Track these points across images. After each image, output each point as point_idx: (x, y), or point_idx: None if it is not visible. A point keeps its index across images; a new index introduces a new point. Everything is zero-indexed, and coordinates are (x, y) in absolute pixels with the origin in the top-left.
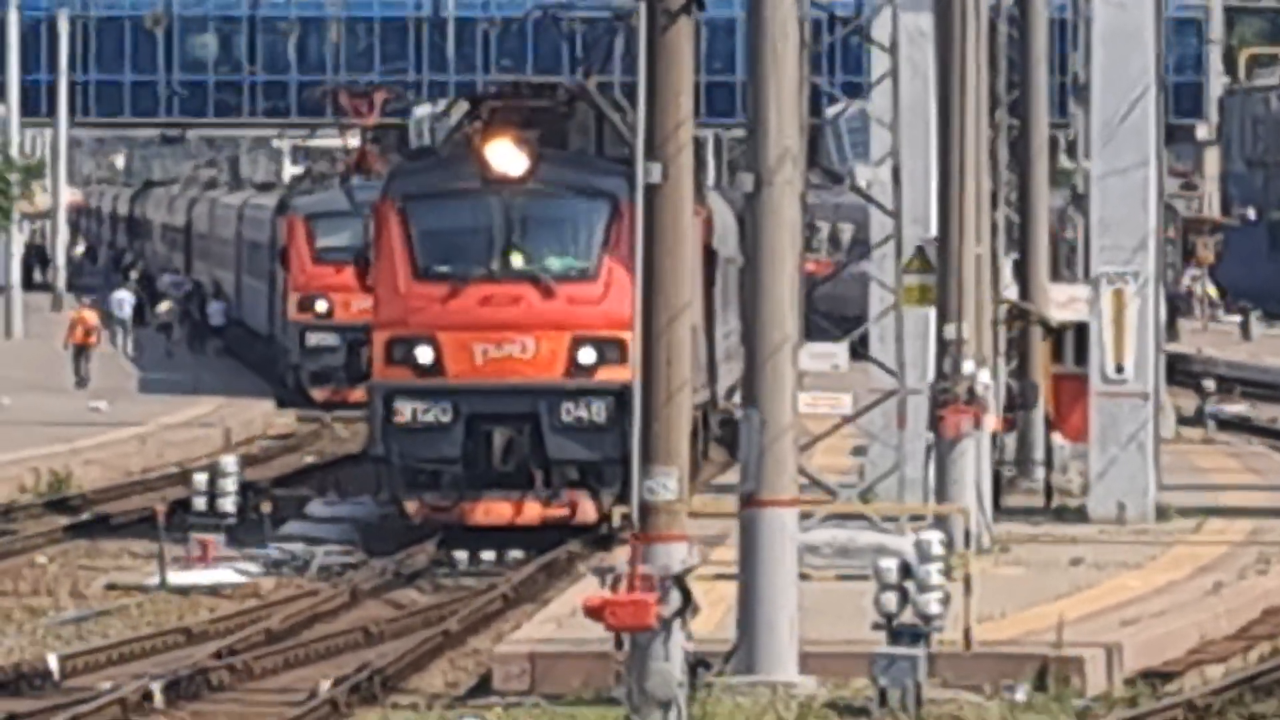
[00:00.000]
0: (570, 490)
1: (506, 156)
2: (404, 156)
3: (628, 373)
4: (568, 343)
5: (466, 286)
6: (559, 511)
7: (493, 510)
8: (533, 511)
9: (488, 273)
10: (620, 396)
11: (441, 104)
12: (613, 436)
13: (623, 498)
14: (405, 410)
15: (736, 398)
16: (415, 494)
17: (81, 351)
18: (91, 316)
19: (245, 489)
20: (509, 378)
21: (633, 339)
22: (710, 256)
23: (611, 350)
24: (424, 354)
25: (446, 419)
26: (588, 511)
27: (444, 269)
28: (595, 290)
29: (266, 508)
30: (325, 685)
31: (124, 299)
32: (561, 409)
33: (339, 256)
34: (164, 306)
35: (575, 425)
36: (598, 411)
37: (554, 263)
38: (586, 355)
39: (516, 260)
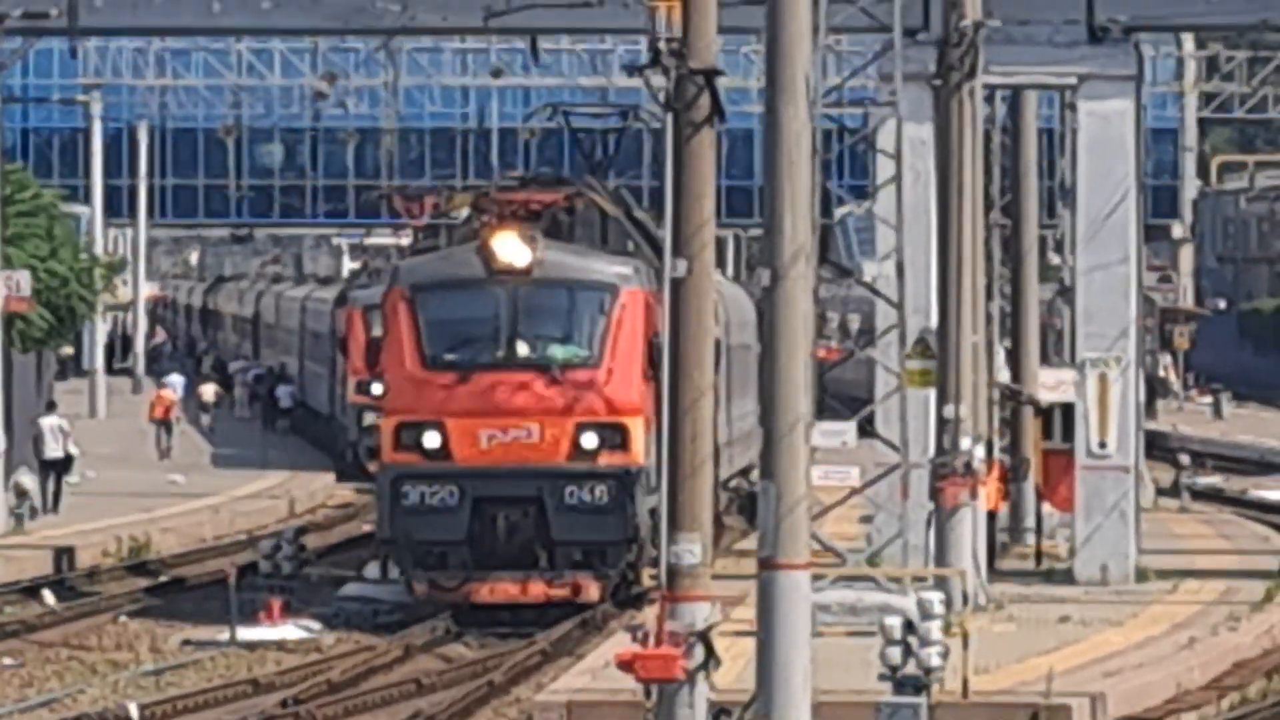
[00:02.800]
0: (574, 570)
1: (511, 248)
2: (413, 249)
3: (629, 457)
4: (571, 428)
5: (473, 374)
6: (563, 591)
7: (498, 590)
8: (537, 591)
9: (493, 361)
10: (622, 480)
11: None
12: (615, 518)
13: (626, 578)
14: (413, 493)
15: (754, 475)
16: (423, 574)
17: (163, 426)
18: (170, 396)
19: (303, 552)
20: (514, 462)
21: (635, 424)
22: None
23: (613, 435)
24: (431, 439)
25: (453, 501)
26: (591, 591)
27: (451, 357)
28: (597, 377)
29: (326, 571)
30: None
31: (176, 383)
32: (565, 492)
33: None
34: (209, 392)
35: (578, 507)
36: (600, 494)
37: (557, 351)
38: (589, 440)
39: (521, 349)
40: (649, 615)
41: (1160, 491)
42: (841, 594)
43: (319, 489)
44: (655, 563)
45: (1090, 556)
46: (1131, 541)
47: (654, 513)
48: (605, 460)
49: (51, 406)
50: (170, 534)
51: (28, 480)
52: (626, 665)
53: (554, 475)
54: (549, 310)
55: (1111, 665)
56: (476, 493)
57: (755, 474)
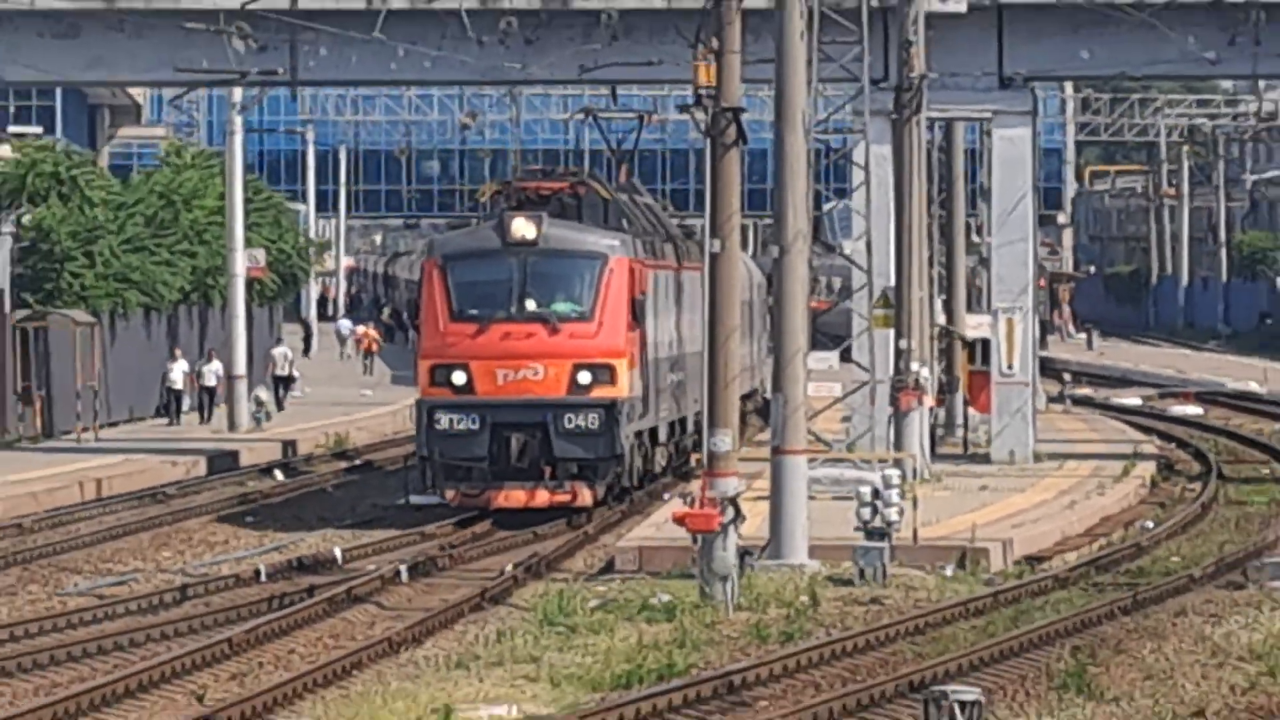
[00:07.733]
0: (572, 481)
1: (521, 225)
2: (449, 226)
3: (616, 390)
4: (569, 368)
5: (491, 325)
6: (563, 497)
7: (512, 497)
8: (543, 497)
9: (507, 315)
10: (610, 409)
11: None
12: (605, 439)
13: (614, 487)
14: (444, 420)
15: (761, 395)
16: (452, 484)
17: (368, 355)
18: (373, 332)
19: None
20: (524, 395)
21: (620, 364)
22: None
23: (603, 374)
24: (458, 377)
25: (476, 427)
26: (586, 497)
27: (474, 312)
28: (591, 328)
29: None
30: (509, 567)
31: (345, 325)
32: (565, 418)
33: None
34: (365, 330)
35: (575, 431)
36: (592, 421)
37: (559, 307)
38: (584, 377)
39: (529, 305)
40: (695, 487)
41: (1050, 399)
42: (828, 471)
43: None
44: (696, 447)
45: (1002, 444)
46: (1030, 434)
47: (638, 435)
48: (597, 393)
49: (279, 341)
50: (363, 431)
51: (264, 394)
52: (680, 521)
53: (556, 405)
54: (552, 274)
55: (1017, 520)
56: (494, 420)
57: (762, 394)
